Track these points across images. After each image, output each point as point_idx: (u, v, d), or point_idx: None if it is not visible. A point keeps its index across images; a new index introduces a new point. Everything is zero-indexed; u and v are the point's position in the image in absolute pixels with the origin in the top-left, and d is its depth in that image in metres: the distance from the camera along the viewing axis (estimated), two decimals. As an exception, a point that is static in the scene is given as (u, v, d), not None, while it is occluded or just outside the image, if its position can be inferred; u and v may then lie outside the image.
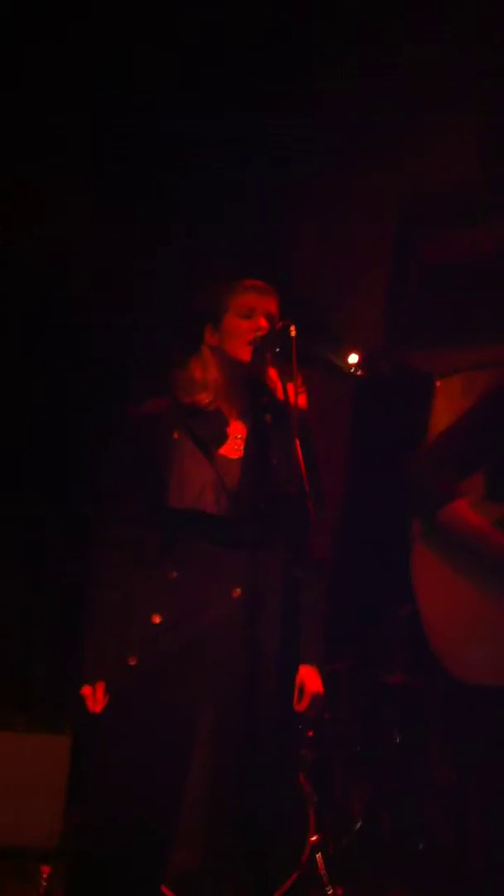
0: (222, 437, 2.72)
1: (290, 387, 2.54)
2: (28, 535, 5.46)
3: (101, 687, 2.60)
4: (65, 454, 5.42)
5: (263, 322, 2.70)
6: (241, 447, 2.72)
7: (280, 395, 2.65)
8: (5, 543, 5.38)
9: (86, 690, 2.60)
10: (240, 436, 2.74)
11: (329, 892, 4.18)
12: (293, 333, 2.54)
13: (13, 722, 4.77)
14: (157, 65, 4.28)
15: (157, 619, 2.58)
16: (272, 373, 2.70)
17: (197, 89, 4.45)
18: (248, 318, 2.71)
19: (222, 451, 2.71)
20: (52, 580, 5.49)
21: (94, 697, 2.59)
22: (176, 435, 2.69)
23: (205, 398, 2.73)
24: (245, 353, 2.69)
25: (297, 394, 2.55)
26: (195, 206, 5.17)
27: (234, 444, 2.73)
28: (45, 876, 3.93)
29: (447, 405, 6.20)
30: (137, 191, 5.05)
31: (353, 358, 6.37)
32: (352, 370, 6.42)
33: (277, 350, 2.60)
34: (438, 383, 6.28)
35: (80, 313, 5.41)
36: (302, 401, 2.77)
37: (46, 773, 4.62)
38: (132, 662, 2.57)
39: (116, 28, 4.08)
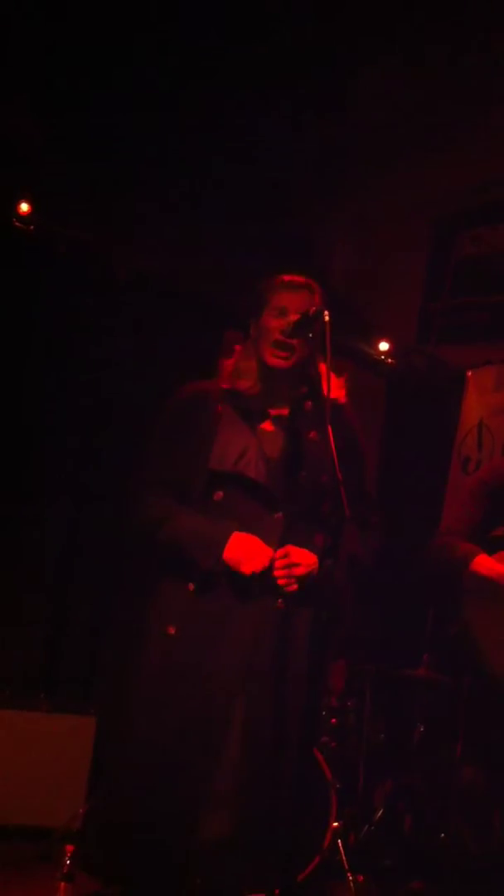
0: (264, 415, 2.78)
1: (324, 371, 2.56)
2: (55, 520, 5.50)
3: None
4: (95, 437, 5.46)
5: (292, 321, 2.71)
6: (282, 424, 2.77)
7: (323, 384, 2.67)
8: (32, 530, 5.42)
9: None
10: (281, 415, 2.79)
11: (349, 879, 4.19)
12: (326, 319, 2.54)
13: (39, 703, 4.79)
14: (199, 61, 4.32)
15: (191, 587, 2.63)
16: (317, 363, 2.72)
17: (234, 88, 4.48)
18: (278, 318, 2.73)
19: (262, 425, 2.77)
20: (82, 565, 5.53)
21: None
22: (220, 408, 2.75)
23: (245, 384, 2.78)
24: (266, 353, 2.74)
25: (329, 380, 2.56)
26: (234, 201, 5.20)
27: (275, 420, 2.78)
28: (68, 856, 3.96)
29: (479, 397, 6.17)
30: (175, 186, 5.09)
31: (384, 346, 6.37)
32: (382, 358, 6.41)
33: (310, 335, 2.61)
34: (470, 374, 6.25)
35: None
36: (342, 395, 2.80)
37: (71, 755, 4.65)
38: (171, 631, 2.60)
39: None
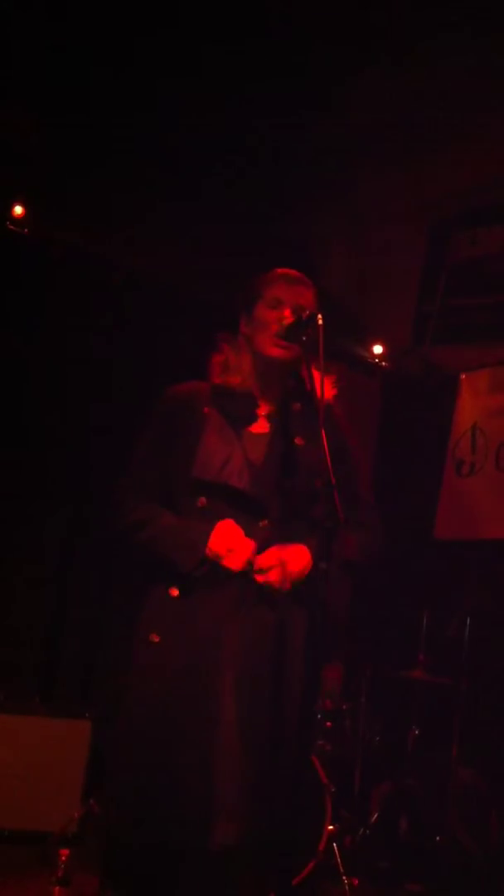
0: (251, 417, 2.75)
1: (318, 376, 2.55)
2: (53, 522, 5.50)
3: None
4: (93, 444, 5.46)
5: (288, 313, 2.69)
6: (268, 425, 2.75)
7: (310, 385, 2.66)
8: (29, 532, 5.41)
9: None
10: (269, 416, 2.77)
11: (345, 882, 4.19)
12: (320, 322, 2.54)
13: (34, 707, 4.79)
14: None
15: (174, 593, 2.61)
16: (310, 366, 2.71)
17: (232, 88, 4.48)
18: (274, 309, 2.71)
19: (250, 428, 2.74)
20: (78, 569, 5.53)
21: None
22: (206, 410, 2.73)
23: (235, 380, 2.76)
24: (267, 344, 2.71)
25: (322, 384, 2.55)
26: (230, 202, 5.20)
27: (262, 422, 2.76)
28: (63, 860, 3.95)
29: (473, 400, 6.18)
30: (171, 186, 5.09)
31: (378, 349, 6.37)
32: (377, 361, 6.42)
33: (304, 339, 2.60)
34: (464, 377, 6.26)
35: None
36: (332, 399, 2.79)
37: (66, 759, 4.64)
38: (155, 639, 2.59)
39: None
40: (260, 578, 2.54)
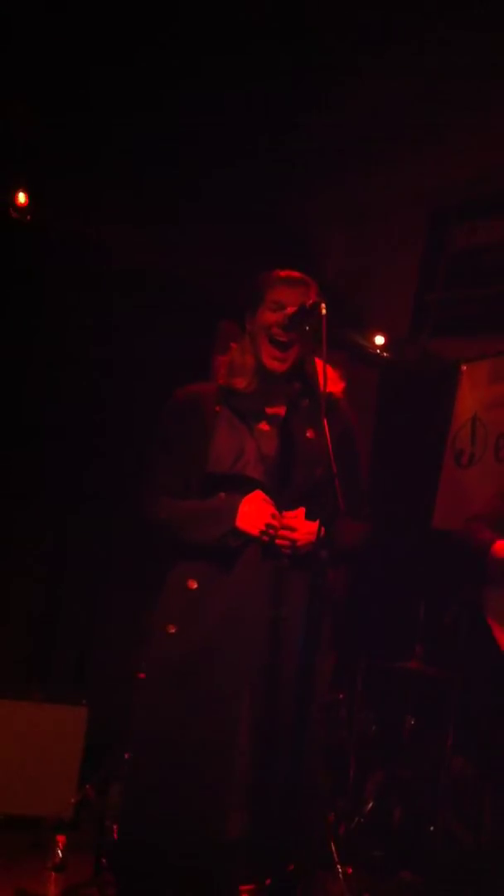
0: (260, 414, 2.78)
1: (320, 365, 2.56)
2: (50, 512, 5.50)
3: None
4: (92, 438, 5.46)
5: (288, 313, 2.71)
6: (278, 423, 2.77)
7: (318, 378, 2.67)
8: (26, 523, 5.42)
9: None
10: (277, 414, 2.79)
11: (339, 871, 4.20)
12: (323, 312, 2.54)
13: (31, 692, 4.80)
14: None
15: (193, 585, 2.64)
16: (313, 357, 2.72)
17: (231, 84, 4.48)
18: (275, 312, 2.73)
19: (259, 425, 2.77)
20: (74, 557, 5.53)
21: None
22: (217, 408, 2.76)
23: (241, 382, 2.79)
24: (264, 353, 2.74)
25: (325, 373, 2.56)
26: (230, 194, 5.20)
27: (272, 419, 2.78)
28: (60, 846, 3.97)
29: (473, 391, 6.17)
30: (170, 187, 5.09)
31: (380, 340, 6.37)
32: (378, 351, 6.41)
33: (307, 328, 2.61)
34: (464, 368, 6.25)
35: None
36: (339, 389, 2.82)
37: (63, 745, 4.66)
38: (171, 630, 2.61)
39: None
40: (283, 532, 2.60)
